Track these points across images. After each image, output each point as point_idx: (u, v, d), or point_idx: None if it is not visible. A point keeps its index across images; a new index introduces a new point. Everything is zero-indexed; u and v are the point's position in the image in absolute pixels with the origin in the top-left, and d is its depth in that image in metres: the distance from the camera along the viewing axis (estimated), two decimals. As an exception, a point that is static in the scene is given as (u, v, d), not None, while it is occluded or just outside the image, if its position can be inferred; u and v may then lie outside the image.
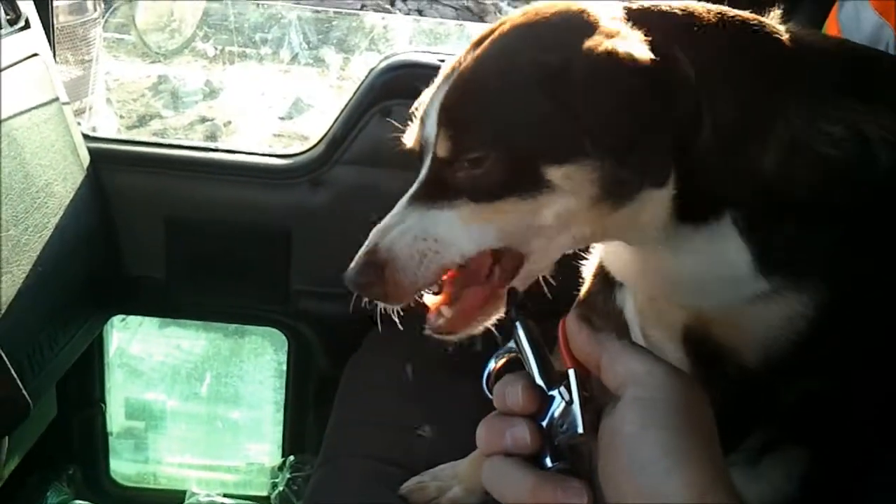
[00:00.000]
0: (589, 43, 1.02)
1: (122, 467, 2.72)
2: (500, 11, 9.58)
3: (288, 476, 2.47)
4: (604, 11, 1.09)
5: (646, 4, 1.13)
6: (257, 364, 2.75)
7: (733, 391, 1.18)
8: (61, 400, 2.24)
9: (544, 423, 0.83)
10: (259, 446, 2.75)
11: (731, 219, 1.11)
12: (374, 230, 1.12)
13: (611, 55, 1.00)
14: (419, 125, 1.15)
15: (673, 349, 1.26)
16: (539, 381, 0.85)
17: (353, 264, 1.12)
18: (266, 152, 2.40)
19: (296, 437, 2.56)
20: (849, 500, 1.30)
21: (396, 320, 1.16)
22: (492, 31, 1.14)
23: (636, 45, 1.02)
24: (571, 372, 0.84)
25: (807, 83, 1.12)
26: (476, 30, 1.32)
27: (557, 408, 0.83)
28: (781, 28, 1.15)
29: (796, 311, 1.13)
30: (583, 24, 1.07)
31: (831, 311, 1.13)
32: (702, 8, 1.13)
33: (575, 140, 1.02)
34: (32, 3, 2.09)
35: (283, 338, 2.50)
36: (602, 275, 1.40)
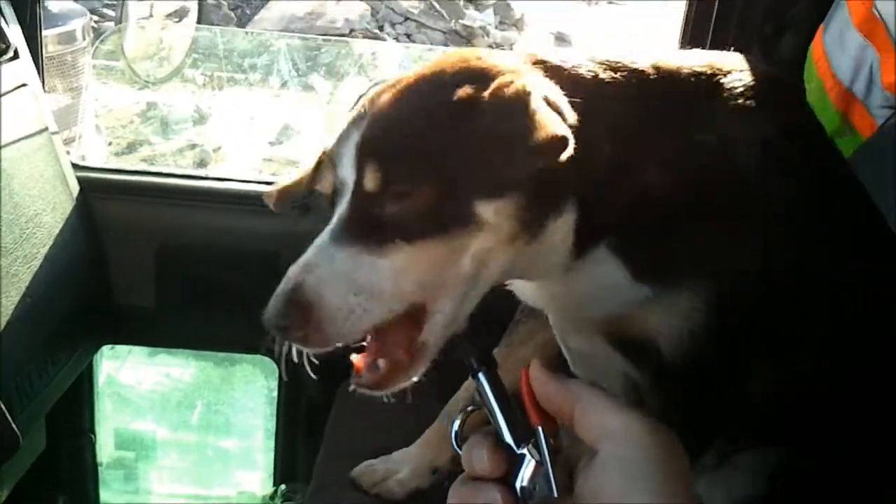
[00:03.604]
0: (497, 85, 1.07)
1: (113, 498, 2.70)
2: (487, 34, 9.65)
3: (279, 505, 2.45)
4: (502, 60, 1.15)
5: (547, 59, 1.17)
6: (248, 392, 2.73)
7: (676, 389, 1.23)
8: (50, 430, 2.22)
9: (516, 485, 0.81)
10: (250, 475, 2.73)
11: (605, 244, 1.17)
12: (295, 266, 1.08)
13: (511, 90, 1.06)
14: (330, 170, 1.15)
15: (602, 351, 1.29)
16: (507, 437, 0.83)
17: (272, 302, 1.07)
18: (255, 179, 2.40)
19: (286, 466, 2.54)
20: (820, 497, 1.31)
21: (310, 371, 1.15)
22: (394, 83, 1.16)
23: (532, 84, 1.07)
24: (540, 430, 0.82)
25: (678, 104, 1.19)
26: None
27: (528, 468, 0.81)
28: (660, 60, 1.22)
29: (685, 307, 1.18)
30: (486, 68, 1.12)
31: (721, 306, 1.17)
32: (589, 62, 1.18)
33: (499, 175, 1.05)
34: (21, 33, 2.10)
35: (274, 366, 2.49)
36: None
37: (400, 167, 1.06)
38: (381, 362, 1.12)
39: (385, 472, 1.71)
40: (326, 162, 1.18)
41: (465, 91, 1.08)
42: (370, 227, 1.06)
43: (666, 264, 1.18)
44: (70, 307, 2.09)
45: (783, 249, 1.19)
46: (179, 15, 3.22)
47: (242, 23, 9.37)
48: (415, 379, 1.12)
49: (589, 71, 1.16)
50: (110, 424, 2.69)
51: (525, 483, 0.80)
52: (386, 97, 1.13)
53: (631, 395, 1.34)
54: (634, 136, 1.14)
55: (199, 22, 3.50)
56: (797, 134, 1.25)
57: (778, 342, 1.23)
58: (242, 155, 5.70)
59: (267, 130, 5.79)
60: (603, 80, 1.16)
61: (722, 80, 1.22)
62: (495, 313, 1.71)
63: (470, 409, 0.90)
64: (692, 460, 1.23)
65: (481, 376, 0.87)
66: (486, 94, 1.06)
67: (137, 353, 2.70)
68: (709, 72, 1.22)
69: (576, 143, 1.03)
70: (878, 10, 1.87)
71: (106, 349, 2.58)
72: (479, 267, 1.08)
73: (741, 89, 1.21)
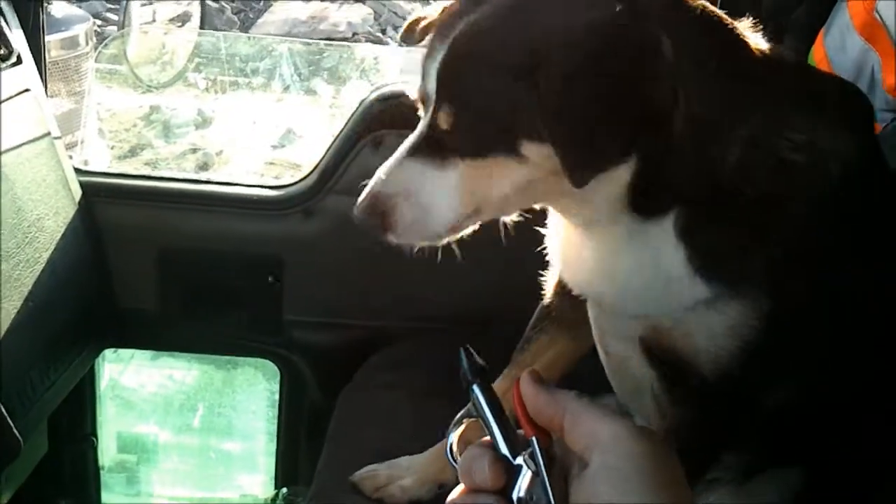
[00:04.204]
0: (575, 23, 1.08)
1: (115, 501, 2.69)
2: (490, 39, 9.64)
3: (281, 508, 2.45)
4: None
5: None
6: (250, 395, 2.73)
7: (703, 405, 1.22)
8: (52, 434, 2.22)
9: (513, 496, 0.81)
10: (252, 478, 2.73)
11: (673, 217, 1.15)
12: (379, 173, 1.22)
13: (596, 37, 1.06)
14: (422, 79, 1.22)
15: (636, 362, 1.28)
16: (503, 449, 0.82)
17: (360, 200, 1.23)
18: (258, 184, 2.40)
19: (288, 469, 2.54)
20: None
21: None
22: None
23: (623, 23, 1.07)
24: (534, 441, 0.81)
25: (775, 92, 1.16)
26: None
27: (524, 479, 0.80)
28: (753, 37, 1.20)
29: (738, 320, 1.15)
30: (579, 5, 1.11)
31: (776, 321, 1.15)
32: (698, 7, 1.16)
33: (548, 121, 1.08)
34: (24, 38, 2.11)
35: (276, 369, 2.49)
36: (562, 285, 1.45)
37: (469, 113, 1.14)
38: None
39: (388, 477, 1.67)
40: (421, 63, 1.24)
41: (540, 39, 1.09)
42: (438, 145, 1.18)
43: (730, 263, 1.15)
44: (72, 311, 2.09)
45: (850, 270, 1.17)
46: (182, 19, 3.23)
47: (246, 27, 9.38)
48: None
49: (694, 14, 1.15)
50: (112, 428, 2.69)
51: (522, 494, 0.80)
52: (471, 22, 1.15)
53: (662, 408, 1.33)
54: (727, 107, 1.12)
55: (201, 26, 3.51)
56: (875, 160, 1.24)
57: (808, 361, 1.22)
58: (245, 159, 5.70)
59: (269, 134, 5.80)
60: (711, 29, 1.15)
61: (822, 92, 1.22)
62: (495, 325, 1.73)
63: (465, 421, 0.90)
64: (703, 473, 1.23)
65: (476, 388, 0.88)
66: (561, 39, 1.07)
67: (140, 356, 2.70)
68: (815, 80, 1.23)
69: (662, 95, 1.07)
70: (879, 14, 1.88)
71: (109, 352, 2.58)
72: (521, 191, 1.18)
73: (834, 104, 1.21)
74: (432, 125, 1.19)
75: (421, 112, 1.24)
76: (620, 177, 1.12)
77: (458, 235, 1.26)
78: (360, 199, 1.24)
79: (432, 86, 1.18)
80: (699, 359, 1.19)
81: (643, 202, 1.14)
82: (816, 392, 1.24)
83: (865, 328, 1.21)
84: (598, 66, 1.05)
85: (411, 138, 1.22)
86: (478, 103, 1.14)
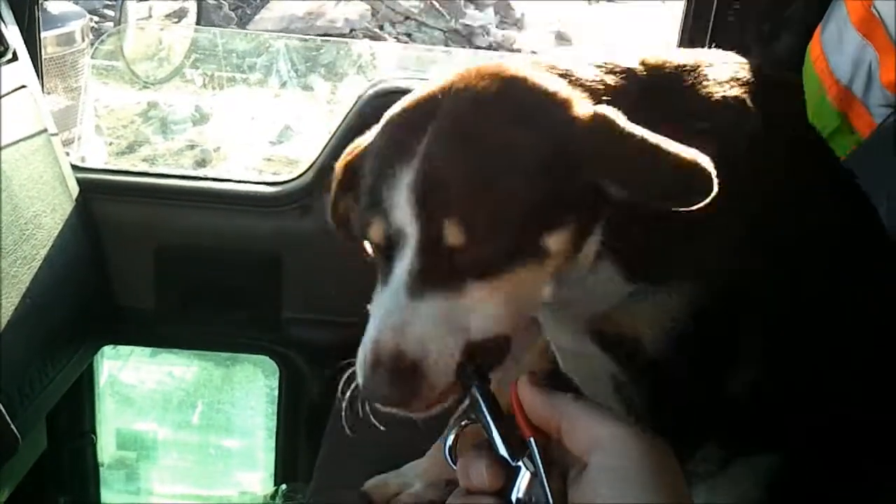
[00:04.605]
0: (577, 115, 1.04)
1: (114, 498, 2.70)
2: (487, 34, 9.65)
3: (280, 504, 2.46)
4: (538, 75, 1.10)
5: (557, 65, 1.14)
6: (249, 392, 2.74)
7: (662, 386, 1.22)
8: (51, 431, 2.22)
9: (512, 497, 0.81)
10: (251, 475, 2.74)
11: (607, 255, 1.15)
12: (379, 329, 1.03)
13: (603, 123, 1.03)
14: (379, 219, 1.07)
15: (588, 350, 1.29)
16: (502, 450, 0.83)
17: (367, 374, 1.01)
18: (255, 180, 2.40)
19: (288, 466, 2.55)
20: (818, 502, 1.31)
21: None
22: (425, 105, 1.09)
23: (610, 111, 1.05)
24: (532, 442, 0.82)
25: (668, 98, 1.16)
26: (462, 56, 1.31)
27: (523, 480, 0.81)
28: (646, 56, 1.19)
29: (667, 305, 1.17)
30: (541, 93, 1.07)
31: (704, 300, 1.16)
32: (591, 67, 1.15)
33: (562, 206, 1.04)
34: (20, 34, 2.10)
35: (275, 365, 2.50)
36: None
37: (482, 221, 1.02)
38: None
39: (398, 486, 1.67)
40: (366, 206, 1.09)
41: (539, 130, 1.04)
42: (444, 273, 1.02)
43: (656, 264, 1.17)
44: (70, 308, 2.09)
45: (764, 249, 1.18)
46: (179, 15, 3.23)
47: (243, 23, 9.37)
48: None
49: (595, 77, 1.14)
50: (112, 424, 2.69)
51: (521, 495, 0.81)
52: (437, 132, 1.05)
53: (622, 395, 1.35)
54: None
55: (199, 22, 3.50)
56: (782, 129, 1.24)
57: (761, 343, 1.23)
58: (242, 155, 5.70)
59: (267, 131, 5.80)
60: (610, 85, 1.14)
61: (706, 73, 1.20)
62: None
63: (464, 423, 0.90)
64: (682, 464, 1.24)
65: (475, 390, 0.88)
66: (569, 130, 1.04)
67: (139, 352, 2.71)
68: (693, 64, 1.21)
69: None
70: (876, 10, 1.88)
71: (108, 349, 2.59)
72: (548, 290, 1.09)
73: (726, 82, 1.20)
74: (431, 252, 1.03)
75: (397, 254, 1.05)
76: (596, 237, 1.12)
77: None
78: (368, 364, 1.01)
79: (408, 214, 1.03)
80: (644, 339, 1.21)
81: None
82: (782, 378, 1.25)
83: (793, 308, 1.22)
84: (612, 141, 1.03)
85: (400, 278, 1.03)
86: (493, 207, 1.02)
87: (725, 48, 1.32)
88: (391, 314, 1.02)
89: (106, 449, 2.66)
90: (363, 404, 1.08)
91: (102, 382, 2.61)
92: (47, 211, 2.01)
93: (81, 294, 2.16)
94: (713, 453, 1.31)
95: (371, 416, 1.11)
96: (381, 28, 9.38)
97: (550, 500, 0.79)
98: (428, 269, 1.02)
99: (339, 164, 1.22)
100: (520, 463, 0.82)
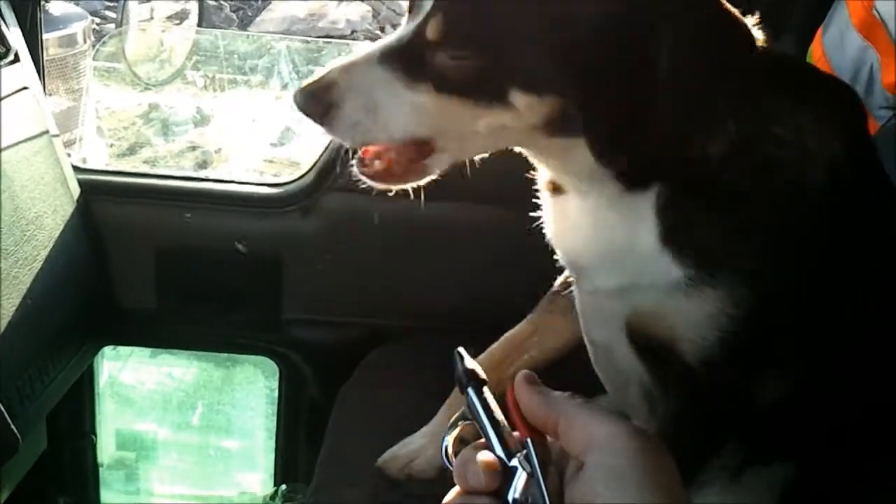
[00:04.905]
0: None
1: (114, 498, 2.70)
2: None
3: (280, 505, 2.45)
4: None
5: None
6: (249, 392, 2.74)
7: (692, 397, 1.22)
8: (51, 431, 2.23)
9: (509, 497, 0.81)
10: (251, 475, 2.74)
11: (654, 194, 1.15)
12: (339, 66, 1.15)
13: (607, 16, 1.05)
14: None
15: (621, 352, 1.29)
16: (498, 451, 0.83)
17: (306, 84, 1.15)
18: (256, 182, 2.40)
19: (288, 466, 2.54)
20: None
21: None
22: None
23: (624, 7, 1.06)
24: (529, 442, 0.82)
25: (769, 89, 1.16)
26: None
27: (520, 480, 0.81)
28: (755, 33, 1.18)
29: (715, 308, 1.16)
30: None
31: (756, 313, 1.15)
32: None
33: (549, 76, 1.06)
34: (22, 36, 2.11)
35: (275, 366, 2.50)
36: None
37: (463, 33, 1.09)
38: (378, 163, 1.20)
39: (408, 454, 1.69)
40: None
41: None
42: (416, 61, 1.12)
43: (702, 246, 1.16)
44: (71, 309, 2.09)
45: (826, 265, 1.18)
46: (180, 17, 3.24)
47: (244, 24, 9.37)
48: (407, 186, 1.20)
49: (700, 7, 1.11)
50: (111, 425, 2.69)
51: (518, 495, 0.81)
52: None
53: (647, 398, 1.34)
54: (717, 98, 1.11)
55: (200, 24, 3.51)
56: (862, 159, 1.24)
57: (795, 355, 1.22)
58: (244, 156, 5.70)
59: (268, 132, 5.79)
60: (713, 20, 1.11)
61: (818, 92, 1.21)
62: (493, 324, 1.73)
63: (460, 424, 0.90)
64: (698, 471, 1.23)
65: (470, 391, 0.88)
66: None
67: (139, 353, 2.70)
68: (812, 80, 1.23)
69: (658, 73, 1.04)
70: (877, 12, 1.88)
71: (108, 350, 2.59)
72: (493, 134, 1.13)
73: (823, 101, 1.20)
74: (417, 35, 1.12)
75: (405, 19, 1.17)
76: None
77: (413, 183, 1.20)
78: (309, 80, 1.16)
79: None
80: (681, 346, 1.20)
81: (625, 171, 1.15)
82: (809, 388, 1.24)
83: (852, 327, 1.21)
84: (610, 57, 1.05)
85: (386, 41, 1.15)
86: (480, 30, 1.09)
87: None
88: (356, 57, 1.14)
89: (106, 449, 2.66)
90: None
91: (102, 383, 2.61)
92: (48, 212, 2.01)
93: (82, 294, 2.16)
94: (729, 461, 1.31)
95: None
96: (383, 30, 9.38)
97: (547, 501, 0.79)
98: (407, 48, 1.12)
99: None
100: (516, 463, 0.82)
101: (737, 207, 1.15)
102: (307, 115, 1.16)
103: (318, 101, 1.14)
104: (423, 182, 1.21)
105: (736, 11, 1.14)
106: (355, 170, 1.23)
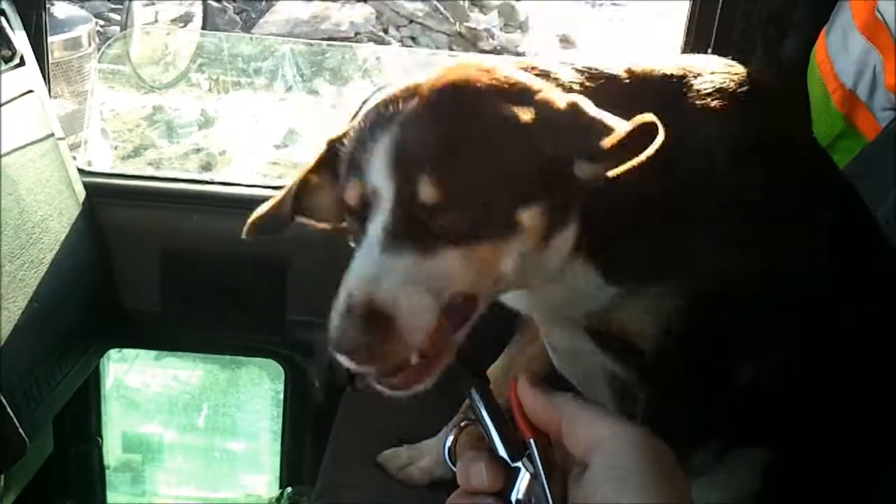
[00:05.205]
0: (551, 99, 1.08)
1: (120, 501, 2.71)
2: (492, 37, 9.66)
3: (285, 507, 2.46)
4: (516, 70, 1.14)
5: (537, 66, 1.17)
6: (254, 395, 2.74)
7: (663, 384, 1.25)
8: (58, 434, 2.23)
9: (512, 498, 0.82)
10: (256, 477, 2.74)
11: (583, 251, 1.17)
12: (353, 280, 1.04)
13: (571, 107, 1.06)
14: (356, 180, 1.10)
15: (584, 347, 1.31)
16: (501, 452, 0.83)
17: (340, 324, 1.02)
18: (260, 184, 2.41)
19: (293, 468, 2.55)
20: (813, 494, 1.32)
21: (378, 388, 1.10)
22: (401, 94, 1.12)
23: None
24: (532, 443, 0.82)
25: (651, 106, 1.16)
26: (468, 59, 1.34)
27: (523, 480, 0.81)
28: (632, 64, 1.22)
29: (658, 306, 1.19)
30: (519, 81, 1.11)
31: (694, 300, 1.18)
32: (571, 71, 1.18)
33: (537, 181, 1.07)
34: (27, 40, 2.11)
35: (280, 368, 2.50)
36: None
37: (457, 181, 1.04)
38: (414, 358, 1.06)
39: (409, 458, 1.74)
40: (346, 170, 1.13)
41: (519, 106, 1.07)
42: (418, 234, 1.04)
43: (635, 266, 1.19)
44: (77, 311, 2.10)
45: (749, 250, 1.20)
46: (184, 20, 3.24)
47: (248, 26, 9.39)
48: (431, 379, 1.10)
49: (574, 80, 1.17)
50: (117, 427, 2.70)
51: (521, 496, 0.81)
52: (414, 104, 1.09)
53: (617, 393, 1.36)
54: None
55: (204, 27, 3.51)
56: (765, 136, 1.25)
57: (757, 340, 1.24)
58: (248, 159, 5.71)
59: (272, 134, 5.80)
60: (589, 87, 1.17)
61: (692, 83, 1.21)
62: (487, 329, 1.74)
63: (463, 424, 0.91)
64: (685, 459, 1.25)
65: (473, 392, 0.88)
66: (543, 108, 1.07)
67: (144, 356, 2.71)
68: (679, 74, 1.23)
69: None
70: (880, 13, 1.88)
71: (113, 353, 2.60)
72: (514, 268, 1.09)
73: (711, 91, 1.21)
74: (404, 210, 1.05)
75: (372, 214, 1.07)
76: (572, 229, 1.14)
77: (431, 377, 1.09)
78: (340, 313, 1.03)
79: (384, 172, 1.06)
80: (634, 339, 1.23)
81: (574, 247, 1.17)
82: (786, 372, 1.26)
83: (786, 305, 1.23)
84: (578, 124, 1.07)
85: (375, 235, 1.05)
86: (468, 170, 1.05)
87: (730, 51, 1.33)
88: (365, 267, 1.04)
89: (112, 452, 2.67)
90: (350, 377, 1.10)
91: (108, 386, 2.62)
92: (54, 215, 2.02)
93: (88, 297, 2.17)
94: (709, 446, 1.32)
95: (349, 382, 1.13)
96: (386, 31, 9.39)
97: (550, 501, 0.79)
98: (402, 227, 1.05)
99: (325, 140, 1.25)
100: (519, 464, 0.82)
101: (651, 219, 1.17)
102: (363, 354, 1.02)
103: (375, 324, 0.99)
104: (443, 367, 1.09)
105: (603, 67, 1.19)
106: (377, 387, 1.10)
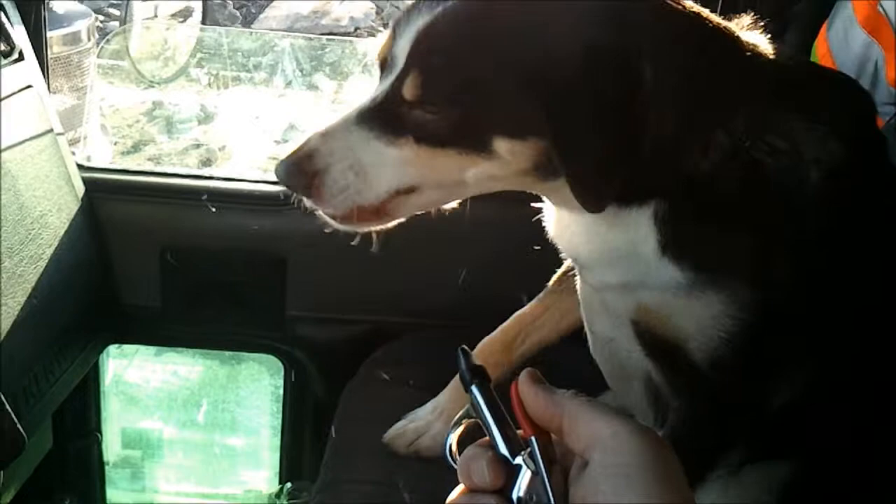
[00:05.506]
0: (568, 35, 1.05)
1: (119, 497, 2.70)
2: (492, 33, 9.63)
3: (285, 503, 2.45)
4: None
5: None
6: (254, 390, 2.74)
7: (704, 397, 1.22)
8: (57, 430, 2.23)
9: (513, 496, 0.81)
10: (257, 473, 2.74)
11: (651, 208, 1.16)
12: (317, 133, 1.14)
13: (590, 51, 1.04)
14: (390, 38, 1.15)
15: (627, 345, 1.30)
16: (503, 449, 0.83)
17: (287, 157, 1.15)
18: (260, 179, 2.40)
19: (293, 464, 2.55)
20: None
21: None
22: None
23: (607, 38, 1.05)
24: (533, 440, 0.82)
25: (761, 94, 1.16)
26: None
27: (524, 478, 0.81)
28: (747, 37, 1.18)
29: (719, 310, 1.17)
30: (567, 7, 1.08)
31: (759, 314, 1.16)
32: (674, 5, 1.14)
33: (531, 119, 1.06)
34: (26, 34, 2.11)
35: (280, 364, 2.50)
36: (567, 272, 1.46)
37: (440, 88, 1.08)
38: None
39: (416, 430, 1.69)
40: (392, 23, 1.18)
41: (537, 42, 1.05)
42: (393, 117, 1.11)
43: (700, 251, 1.16)
44: (76, 307, 2.10)
45: (827, 268, 1.18)
46: (184, 15, 3.23)
47: (248, 21, 9.37)
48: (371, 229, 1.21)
49: (683, 23, 1.12)
50: (117, 423, 2.69)
51: (522, 493, 0.81)
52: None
53: (652, 395, 1.34)
54: (707, 112, 1.11)
55: (204, 22, 3.51)
56: (863, 154, 1.23)
57: (804, 360, 1.22)
58: (248, 154, 5.70)
59: (272, 129, 5.79)
60: (689, 27, 1.12)
61: (800, 81, 1.20)
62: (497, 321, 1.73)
63: (464, 422, 0.90)
64: (704, 471, 1.23)
65: (474, 389, 0.88)
66: (559, 47, 1.05)
67: (144, 351, 2.71)
68: (790, 66, 1.21)
69: (640, 107, 1.04)
70: (882, 8, 1.87)
71: (113, 348, 2.59)
72: (479, 183, 1.13)
73: (818, 106, 1.19)
74: (392, 93, 1.12)
75: (378, 77, 1.17)
76: None
77: (386, 224, 1.20)
78: (288, 153, 1.15)
79: (403, 48, 1.11)
80: (689, 346, 1.20)
81: (621, 193, 1.15)
82: (815, 388, 1.24)
83: (858, 326, 1.21)
84: (595, 91, 1.05)
85: (361, 103, 1.14)
86: (456, 84, 1.08)
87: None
88: (333, 124, 1.14)
89: (111, 448, 2.66)
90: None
91: (108, 381, 2.62)
92: (53, 211, 2.01)
93: (87, 293, 2.16)
94: (730, 459, 1.31)
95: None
96: (386, 26, 9.37)
97: (551, 499, 0.79)
98: (383, 107, 1.12)
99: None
100: (520, 461, 0.82)
101: (731, 215, 1.16)
102: (291, 187, 1.16)
103: (301, 173, 1.14)
104: (390, 224, 1.21)
105: (718, 20, 1.14)
106: (308, 203, 1.21)
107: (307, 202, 1.18)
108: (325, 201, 1.15)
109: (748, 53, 1.17)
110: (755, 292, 1.15)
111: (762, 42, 1.21)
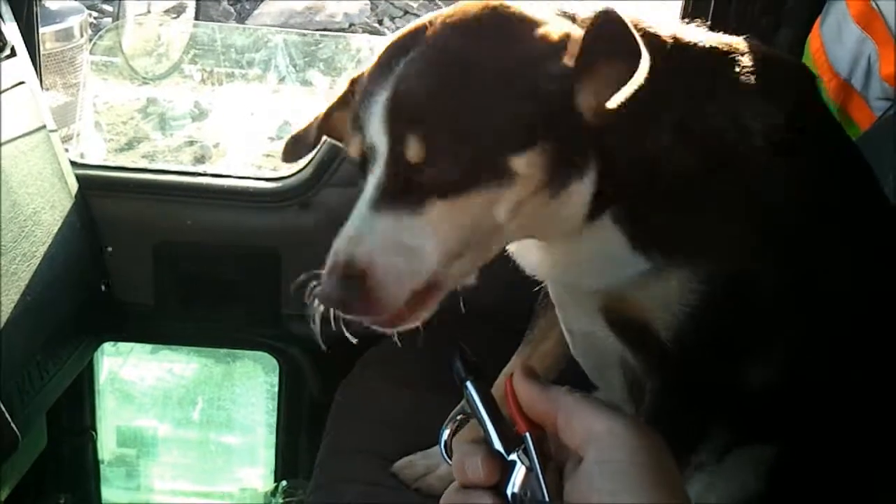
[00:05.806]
0: (547, 33, 1.07)
1: (114, 495, 2.70)
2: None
3: (281, 501, 2.45)
4: (529, 9, 1.12)
5: (574, 13, 1.16)
6: (249, 388, 2.74)
7: (675, 375, 1.23)
8: (52, 428, 2.22)
9: (508, 492, 0.81)
10: (252, 471, 2.74)
11: (610, 212, 1.17)
12: (341, 240, 1.09)
13: (564, 37, 1.06)
14: (356, 133, 1.13)
15: (600, 333, 1.30)
16: (497, 445, 0.83)
17: (326, 278, 1.08)
18: (254, 176, 2.40)
19: (288, 462, 2.55)
20: (816, 493, 1.31)
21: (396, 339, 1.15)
22: (414, 33, 1.13)
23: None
24: (528, 436, 0.82)
25: (697, 77, 1.18)
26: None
27: (518, 474, 0.81)
28: (679, 31, 1.21)
29: (682, 285, 1.18)
30: (520, 18, 1.10)
31: (718, 285, 1.17)
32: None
33: (531, 122, 1.06)
34: (19, 30, 2.10)
35: (275, 362, 2.49)
36: None
37: (443, 137, 1.06)
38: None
39: (426, 467, 1.70)
40: (351, 123, 1.15)
41: (511, 49, 1.07)
42: (407, 189, 1.07)
43: (665, 238, 1.18)
44: (70, 305, 2.09)
45: (784, 237, 1.19)
46: (177, 11, 3.21)
47: (242, 17, 9.35)
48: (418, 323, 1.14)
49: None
50: (112, 421, 2.69)
51: (516, 489, 0.81)
52: (415, 54, 1.09)
53: (629, 382, 1.35)
54: (652, 101, 1.09)
55: (197, 18, 3.49)
56: (805, 121, 1.24)
57: (775, 337, 1.23)
58: (242, 151, 5.70)
59: (266, 126, 5.79)
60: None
61: (737, 59, 1.20)
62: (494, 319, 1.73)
63: (459, 418, 0.90)
64: (688, 454, 1.24)
65: (469, 385, 0.88)
66: (536, 50, 1.06)
67: (139, 349, 2.70)
68: (724, 49, 1.21)
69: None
70: (876, 3, 1.88)
71: (108, 346, 2.59)
72: (511, 217, 1.10)
73: (754, 71, 1.20)
74: (395, 167, 1.07)
75: (370, 169, 1.11)
76: (587, 183, 1.14)
77: (433, 307, 1.14)
78: (324, 274, 1.09)
79: (378, 129, 1.08)
80: (656, 325, 1.21)
81: (594, 206, 1.16)
82: (794, 369, 1.25)
83: (813, 298, 1.22)
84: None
85: (369, 191, 1.09)
86: (455, 125, 1.06)
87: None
88: (351, 226, 1.08)
89: (106, 446, 2.66)
90: (335, 319, 1.12)
91: (102, 379, 2.61)
92: (46, 208, 2.01)
93: (81, 291, 2.16)
94: (712, 444, 1.31)
95: (343, 329, 1.15)
96: (381, 23, 9.36)
97: (546, 495, 0.79)
98: (390, 185, 1.08)
99: (347, 79, 1.28)
100: (515, 457, 0.82)
101: (684, 196, 1.17)
102: (347, 305, 1.07)
103: (350, 283, 1.06)
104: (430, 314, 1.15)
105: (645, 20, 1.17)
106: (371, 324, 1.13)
107: (354, 317, 1.10)
108: (378, 300, 1.06)
109: (680, 43, 1.20)
110: (713, 264, 1.17)
111: (697, 31, 1.23)
